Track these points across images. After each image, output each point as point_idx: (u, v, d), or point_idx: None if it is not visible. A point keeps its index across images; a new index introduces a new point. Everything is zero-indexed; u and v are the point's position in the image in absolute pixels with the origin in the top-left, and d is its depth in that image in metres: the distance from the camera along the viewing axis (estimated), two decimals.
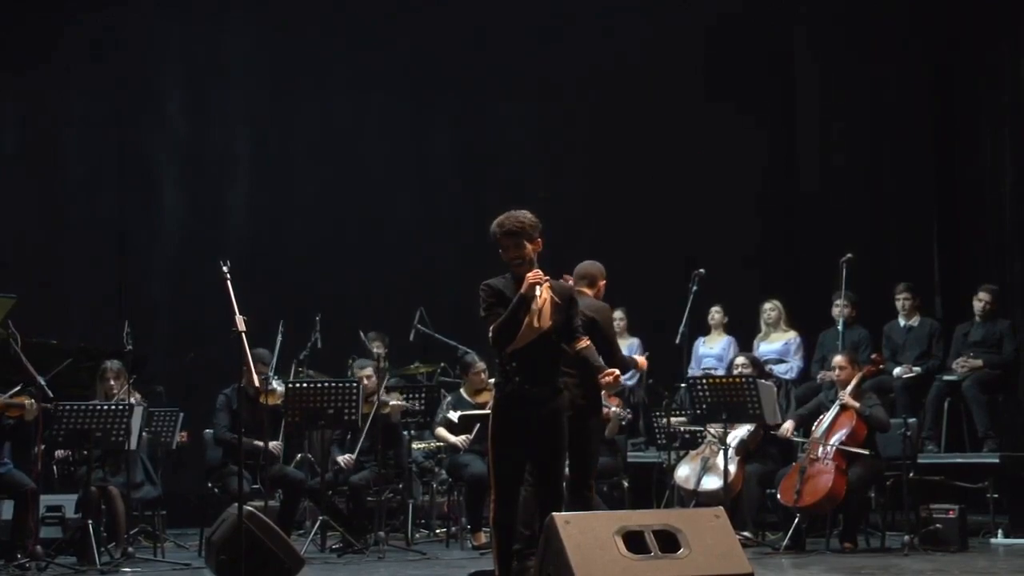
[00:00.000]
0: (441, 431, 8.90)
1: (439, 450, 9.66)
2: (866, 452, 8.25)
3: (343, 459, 8.72)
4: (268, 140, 12.26)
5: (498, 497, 5.45)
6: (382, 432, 8.65)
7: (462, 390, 9.18)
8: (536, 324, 5.34)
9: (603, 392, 6.23)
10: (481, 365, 9.05)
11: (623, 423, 8.71)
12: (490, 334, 5.40)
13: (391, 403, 8.70)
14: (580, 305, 5.73)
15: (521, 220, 5.42)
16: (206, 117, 12.12)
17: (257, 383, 7.01)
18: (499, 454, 5.46)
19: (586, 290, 6.60)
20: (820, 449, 8.26)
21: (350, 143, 12.30)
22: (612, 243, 11.31)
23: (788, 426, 8.65)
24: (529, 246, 5.41)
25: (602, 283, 6.74)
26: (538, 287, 5.33)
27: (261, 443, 8.28)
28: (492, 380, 8.57)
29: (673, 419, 9.11)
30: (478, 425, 8.45)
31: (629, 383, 10.68)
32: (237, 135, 12.21)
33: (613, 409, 8.33)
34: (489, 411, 5.65)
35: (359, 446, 8.69)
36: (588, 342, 5.55)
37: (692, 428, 8.98)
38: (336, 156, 12.25)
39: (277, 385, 8.75)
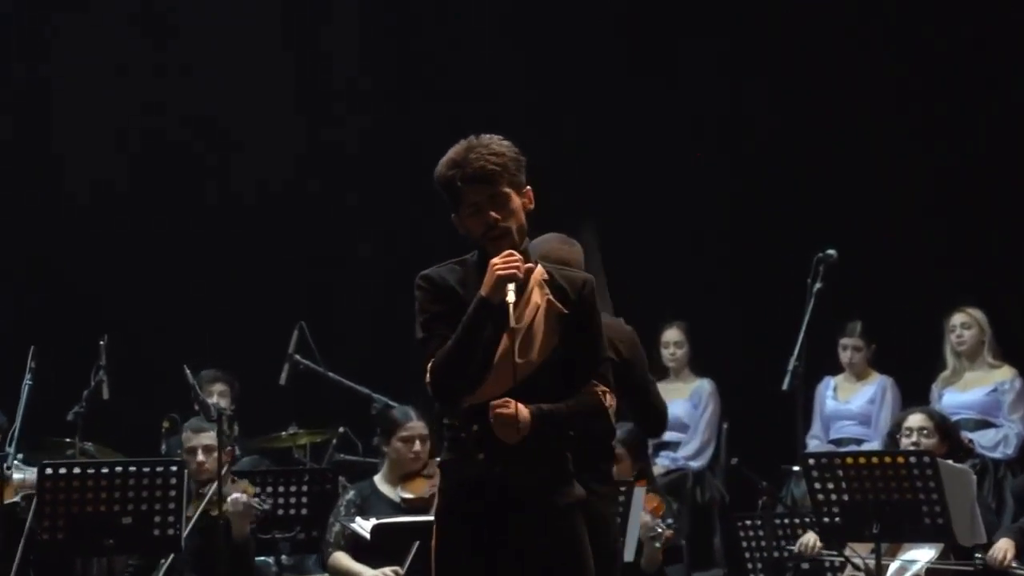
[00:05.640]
0: (339, 558, 9.00)
1: None
2: None
3: None
4: (28, 39, 12.63)
5: None
6: (230, 552, 8.84)
7: (378, 478, 9.31)
8: (519, 358, 5.34)
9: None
10: (417, 426, 9.14)
11: (675, 542, 9.09)
12: (428, 376, 5.43)
13: (231, 499, 8.83)
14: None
15: (498, 151, 5.44)
16: None
17: None
18: None
19: None
20: None
21: (180, 36, 12.74)
22: (657, 217, 11.77)
23: (1002, 546, 8.67)
24: (516, 200, 5.41)
25: None
26: (510, 286, 5.31)
27: None
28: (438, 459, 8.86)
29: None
30: (416, 545, 8.49)
31: (694, 464, 11.09)
32: None
33: (658, 525, 8.73)
34: (432, 516, 5.77)
35: None
36: (614, 402, 5.63)
37: (817, 550, 9.08)
38: (154, 58, 12.70)
39: (17, 472, 8.86)
